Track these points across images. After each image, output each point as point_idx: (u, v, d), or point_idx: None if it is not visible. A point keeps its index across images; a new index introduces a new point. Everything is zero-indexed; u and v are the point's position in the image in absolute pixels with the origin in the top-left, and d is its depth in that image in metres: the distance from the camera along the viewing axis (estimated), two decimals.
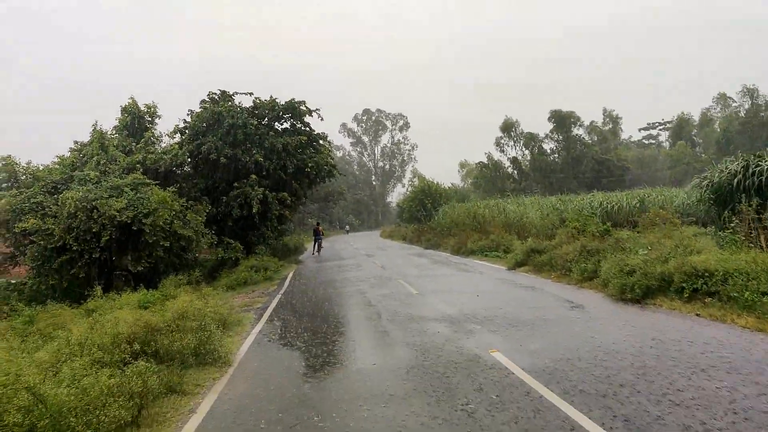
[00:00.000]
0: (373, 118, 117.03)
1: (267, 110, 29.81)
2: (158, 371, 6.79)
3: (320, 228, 38.68)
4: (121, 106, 26.13)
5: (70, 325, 8.55)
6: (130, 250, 20.64)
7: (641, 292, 11.22)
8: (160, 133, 28.38)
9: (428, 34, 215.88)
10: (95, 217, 18.53)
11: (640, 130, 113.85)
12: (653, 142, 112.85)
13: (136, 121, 26.00)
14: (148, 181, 20.93)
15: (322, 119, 30.94)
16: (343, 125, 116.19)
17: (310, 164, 29.56)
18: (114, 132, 25.73)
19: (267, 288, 19.57)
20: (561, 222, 27.45)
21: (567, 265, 15.63)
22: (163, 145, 27.61)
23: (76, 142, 24.71)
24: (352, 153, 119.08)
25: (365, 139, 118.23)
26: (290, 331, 10.65)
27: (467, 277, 17.60)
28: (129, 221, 18.81)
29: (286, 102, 29.99)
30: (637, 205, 32.25)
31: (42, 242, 18.46)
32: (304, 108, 30.28)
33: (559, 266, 16.20)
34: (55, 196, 20.01)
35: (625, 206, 32.78)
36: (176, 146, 25.81)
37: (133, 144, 24.40)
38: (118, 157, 22.78)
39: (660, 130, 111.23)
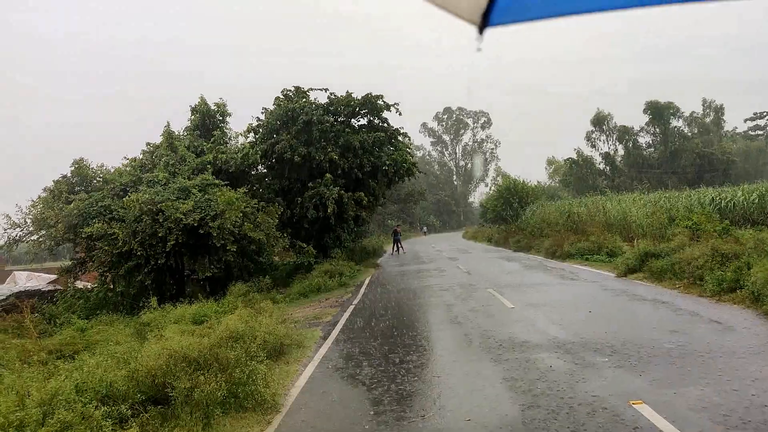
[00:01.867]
0: (454, 116, 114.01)
1: (343, 106, 28.17)
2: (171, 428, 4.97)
3: (399, 229, 40.28)
4: (190, 106, 25.26)
5: (84, 353, 6.97)
6: (200, 254, 19.57)
7: None
8: (236, 133, 27.47)
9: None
10: (161, 220, 17.43)
11: (745, 120, 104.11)
12: (761, 133, 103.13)
13: (207, 121, 25.07)
14: (216, 181, 19.75)
15: (400, 114, 28.93)
16: (424, 125, 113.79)
17: (388, 162, 27.68)
18: (185, 132, 24.90)
19: (341, 296, 17.78)
20: (670, 221, 24.21)
21: (697, 273, 12.78)
22: (238, 144, 26.64)
23: (148, 144, 24.07)
24: (433, 153, 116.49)
25: (446, 138, 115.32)
26: (360, 359, 8.61)
27: (571, 287, 15.01)
28: (195, 224, 17.59)
29: (362, 97, 28.22)
30: (756, 200, 28.27)
31: (107, 247, 17.60)
32: (382, 102, 28.41)
33: (685, 274, 13.35)
34: (124, 199, 19.18)
35: (742, 202, 28.77)
36: (248, 145, 24.59)
37: (204, 144, 23.41)
38: (187, 158, 21.80)
39: None
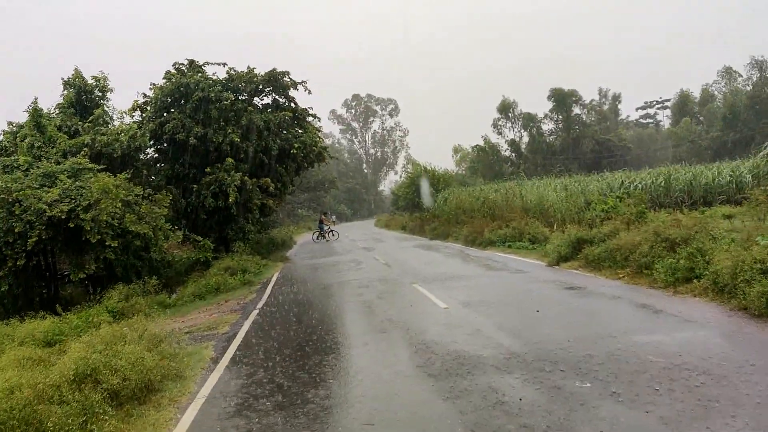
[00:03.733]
0: (363, 103, 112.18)
1: (244, 82, 25.45)
2: None
3: (324, 218, 41.02)
4: (62, 79, 21.61)
5: None
6: (76, 252, 16.49)
7: None
8: (120, 112, 24.00)
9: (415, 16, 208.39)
10: (18, 212, 14.30)
11: (637, 109, 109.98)
12: (651, 121, 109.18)
13: (84, 97, 21.56)
14: (90, 165, 16.68)
15: (309, 92, 26.63)
16: (332, 111, 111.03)
17: (296, 145, 25.27)
18: (57, 110, 21.30)
19: (243, 297, 15.40)
20: (587, 205, 23.64)
21: (642, 261, 11.53)
22: (124, 123, 23.25)
23: (10, 123, 20.29)
24: (342, 141, 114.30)
25: (355, 125, 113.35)
26: (259, 395, 6.34)
27: (504, 279, 13.46)
28: (64, 216, 14.58)
29: (266, 72, 25.64)
30: (662, 183, 28.68)
31: None
32: (288, 79, 25.93)
33: (628, 262, 12.10)
34: None
35: (649, 185, 29.00)
36: (135, 125, 21.40)
37: (79, 124, 20.04)
38: (58, 139, 18.46)
39: (658, 108, 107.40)
